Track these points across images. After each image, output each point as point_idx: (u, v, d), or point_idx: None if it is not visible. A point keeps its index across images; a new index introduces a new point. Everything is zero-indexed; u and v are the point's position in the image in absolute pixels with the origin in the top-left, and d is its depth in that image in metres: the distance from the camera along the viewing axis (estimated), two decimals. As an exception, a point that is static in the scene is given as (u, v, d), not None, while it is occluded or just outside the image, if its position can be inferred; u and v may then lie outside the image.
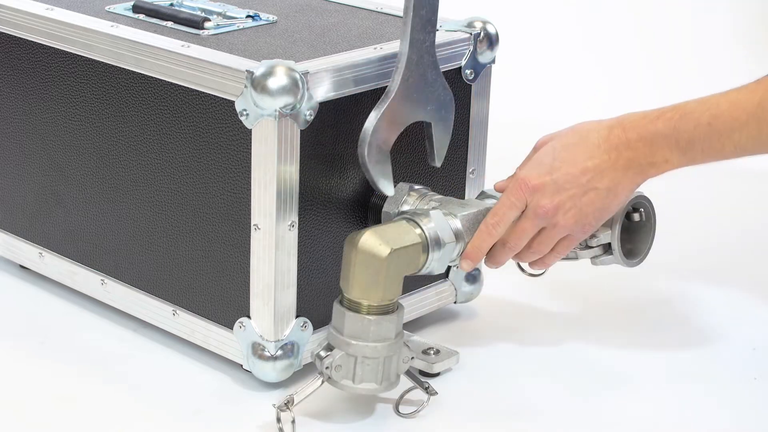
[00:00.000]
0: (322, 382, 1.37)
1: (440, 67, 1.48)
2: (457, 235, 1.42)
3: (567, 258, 1.47)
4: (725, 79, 1.44)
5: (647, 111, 1.40)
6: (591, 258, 1.49)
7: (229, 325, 1.46)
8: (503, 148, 1.88)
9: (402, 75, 1.42)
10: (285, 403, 1.35)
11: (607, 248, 1.47)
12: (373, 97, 1.44)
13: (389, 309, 1.38)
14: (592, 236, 1.45)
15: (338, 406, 1.43)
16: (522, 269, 1.51)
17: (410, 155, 1.51)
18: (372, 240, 1.36)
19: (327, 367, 1.36)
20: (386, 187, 1.43)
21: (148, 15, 1.56)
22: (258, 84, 1.36)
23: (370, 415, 1.43)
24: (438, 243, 1.40)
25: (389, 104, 1.42)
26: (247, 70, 1.37)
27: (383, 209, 1.46)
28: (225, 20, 1.55)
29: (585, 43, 2.69)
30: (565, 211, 1.39)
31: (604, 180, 1.38)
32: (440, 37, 1.52)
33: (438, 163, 1.48)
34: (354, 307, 1.37)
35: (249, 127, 1.38)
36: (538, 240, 1.42)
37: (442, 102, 1.46)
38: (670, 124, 1.37)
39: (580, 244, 1.47)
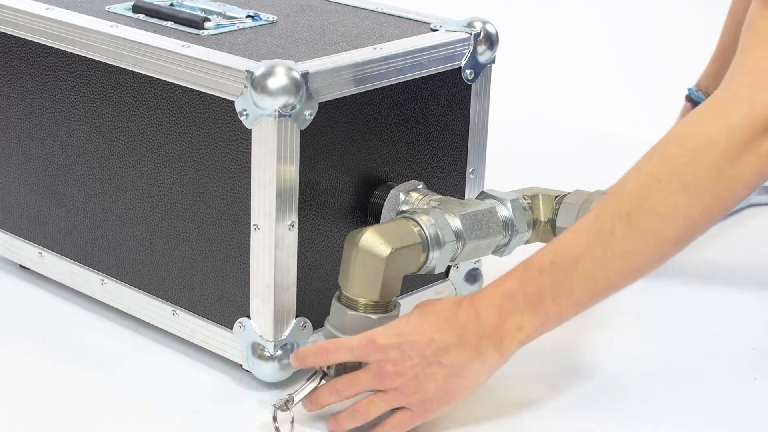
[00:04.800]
0: (321, 380, 1.37)
1: (440, 66, 1.49)
2: (458, 235, 1.42)
3: None
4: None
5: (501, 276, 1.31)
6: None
7: (229, 325, 1.46)
8: (503, 148, 1.88)
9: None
10: (284, 403, 1.35)
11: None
12: (374, 97, 1.44)
13: (388, 307, 1.38)
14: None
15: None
16: None
17: (411, 155, 1.51)
18: (373, 239, 1.36)
19: (327, 366, 1.36)
20: None
21: (148, 15, 1.56)
22: (258, 84, 1.36)
23: (370, 414, 1.43)
24: (438, 242, 1.40)
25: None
26: (247, 70, 1.37)
27: (381, 215, 1.47)
28: (225, 20, 1.55)
29: (585, 43, 2.69)
30: (406, 379, 1.29)
31: (448, 356, 1.29)
32: (440, 37, 1.52)
33: None
34: (352, 305, 1.37)
35: (249, 127, 1.38)
36: (368, 400, 1.33)
37: None
38: (515, 279, 1.27)
39: None
